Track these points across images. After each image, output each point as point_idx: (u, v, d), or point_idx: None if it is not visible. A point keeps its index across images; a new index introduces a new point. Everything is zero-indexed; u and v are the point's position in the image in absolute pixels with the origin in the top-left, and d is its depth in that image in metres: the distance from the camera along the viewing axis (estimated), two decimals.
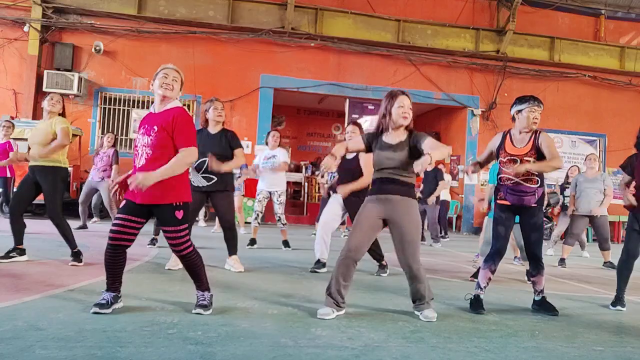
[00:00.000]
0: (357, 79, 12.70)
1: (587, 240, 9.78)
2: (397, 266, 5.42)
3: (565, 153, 13.52)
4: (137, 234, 3.05)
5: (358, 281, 4.28)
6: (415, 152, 3.30)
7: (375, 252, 5.07)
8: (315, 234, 9.09)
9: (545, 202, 7.25)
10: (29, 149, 4.85)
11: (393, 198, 3.31)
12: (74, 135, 10.55)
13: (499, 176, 3.84)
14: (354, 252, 3.30)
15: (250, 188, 9.86)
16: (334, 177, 7.22)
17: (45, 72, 11.11)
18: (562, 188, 8.93)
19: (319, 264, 5.15)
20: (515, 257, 6.65)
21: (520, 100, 3.78)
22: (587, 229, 9.34)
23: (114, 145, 8.68)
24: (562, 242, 7.52)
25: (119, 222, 2.99)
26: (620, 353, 2.83)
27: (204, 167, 4.66)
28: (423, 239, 9.20)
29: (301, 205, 14.04)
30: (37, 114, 10.89)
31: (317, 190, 14.34)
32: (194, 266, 3.15)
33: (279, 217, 6.79)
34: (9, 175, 8.12)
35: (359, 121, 8.77)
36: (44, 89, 10.73)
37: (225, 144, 4.74)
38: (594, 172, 7.19)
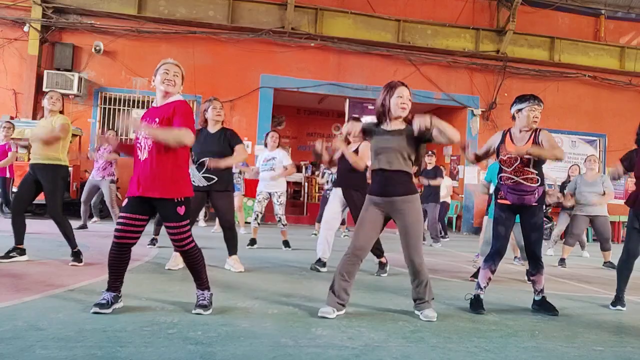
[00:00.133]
0: (357, 79, 12.69)
1: (587, 240, 9.77)
2: (397, 266, 5.44)
3: (566, 153, 13.39)
4: (141, 231, 3.08)
5: (358, 281, 4.27)
6: (418, 137, 3.33)
7: (376, 248, 5.06)
8: (315, 234, 9.18)
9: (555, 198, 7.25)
10: (29, 148, 4.87)
11: (394, 200, 3.32)
12: (74, 135, 10.57)
13: (500, 175, 3.85)
14: (359, 250, 3.34)
15: (251, 188, 9.86)
16: (333, 177, 7.23)
17: (45, 72, 11.11)
18: (563, 186, 8.92)
19: (320, 262, 5.16)
20: (515, 257, 6.65)
21: (521, 99, 3.79)
22: (587, 229, 9.35)
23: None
24: (562, 242, 7.52)
25: (123, 220, 3.01)
26: (620, 353, 2.83)
27: (205, 167, 4.68)
28: (423, 239, 9.18)
29: (301, 205, 14.04)
30: (37, 114, 10.89)
31: (317, 190, 14.35)
32: (195, 263, 3.16)
33: (279, 217, 6.79)
34: (8, 175, 8.12)
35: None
36: (44, 89, 10.71)
37: (224, 143, 4.75)
38: (594, 175, 7.18)
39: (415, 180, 4.46)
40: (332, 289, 3.28)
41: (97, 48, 11.37)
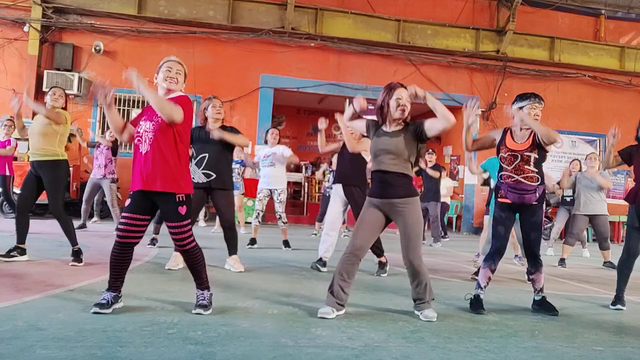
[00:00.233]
0: (357, 79, 12.69)
1: (587, 240, 9.77)
2: (397, 266, 5.43)
3: (565, 153, 13.52)
4: (144, 231, 3.09)
5: (358, 281, 4.28)
6: (416, 137, 3.36)
7: (376, 247, 5.07)
8: (315, 234, 9.18)
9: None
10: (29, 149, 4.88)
11: (394, 202, 3.32)
12: (74, 135, 10.56)
13: (500, 174, 3.85)
14: (358, 250, 3.33)
15: (251, 188, 9.86)
16: (334, 175, 7.24)
17: (45, 72, 11.11)
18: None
19: (321, 262, 5.17)
20: (516, 255, 6.65)
21: (522, 97, 3.80)
22: (587, 229, 9.35)
23: (115, 141, 8.72)
24: (562, 242, 7.52)
25: (126, 220, 3.02)
26: (620, 353, 2.83)
27: (204, 163, 4.70)
28: (423, 238, 9.18)
29: (301, 205, 14.04)
30: (36, 114, 10.87)
31: (317, 190, 14.35)
32: (195, 262, 3.16)
33: (280, 215, 6.80)
34: (7, 173, 8.13)
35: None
36: (44, 89, 10.72)
37: (224, 140, 4.77)
38: (594, 172, 7.20)
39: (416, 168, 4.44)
40: (331, 289, 3.28)
41: (97, 48, 11.37)
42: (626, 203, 4.32)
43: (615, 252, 5.66)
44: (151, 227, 6.26)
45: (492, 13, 13.65)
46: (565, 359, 2.66)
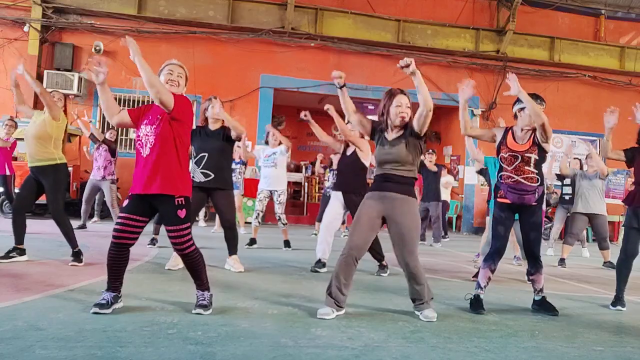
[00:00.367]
0: (357, 79, 12.68)
1: (587, 240, 9.77)
2: (397, 266, 5.42)
3: (565, 153, 13.50)
4: (140, 232, 3.08)
5: (358, 281, 4.28)
6: (415, 137, 3.34)
7: (376, 252, 5.08)
8: (315, 234, 9.18)
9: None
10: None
11: (392, 196, 3.32)
12: (74, 135, 10.58)
13: (500, 174, 3.85)
14: (355, 250, 3.31)
15: (251, 188, 9.86)
16: (334, 174, 7.25)
17: (45, 72, 11.11)
18: (562, 178, 8.78)
19: (320, 263, 5.16)
20: (515, 256, 6.64)
21: None
22: (587, 229, 9.33)
23: (115, 141, 8.74)
24: (562, 242, 7.52)
25: (122, 220, 3.02)
26: (620, 353, 2.83)
27: (203, 162, 4.71)
28: (423, 238, 9.19)
29: (301, 205, 14.04)
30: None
31: (317, 190, 14.34)
32: (195, 265, 3.16)
33: (279, 216, 6.80)
34: (8, 172, 8.13)
35: None
36: None
37: (224, 139, 4.77)
38: (594, 170, 7.21)
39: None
40: (329, 291, 3.27)
41: (97, 48, 11.37)
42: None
43: (615, 252, 5.65)
44: (151, 227, 6.27)
45: (492, 13, 13.66)
46: (565, 359, 2.66)
